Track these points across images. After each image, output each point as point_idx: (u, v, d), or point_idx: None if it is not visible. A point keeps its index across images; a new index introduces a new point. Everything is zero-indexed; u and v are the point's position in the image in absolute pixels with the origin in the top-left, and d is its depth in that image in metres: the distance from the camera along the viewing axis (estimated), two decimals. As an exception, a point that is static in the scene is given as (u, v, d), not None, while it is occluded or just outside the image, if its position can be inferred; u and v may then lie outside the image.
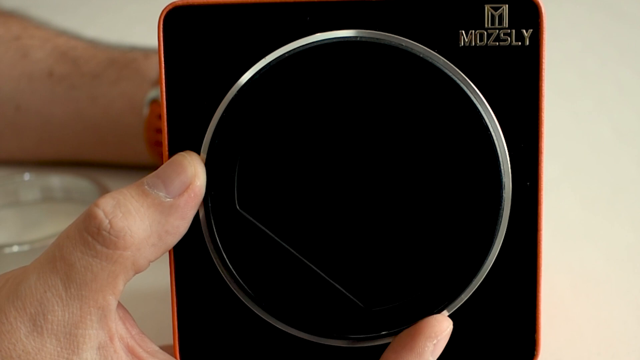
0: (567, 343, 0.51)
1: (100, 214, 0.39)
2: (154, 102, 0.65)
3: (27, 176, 0.68)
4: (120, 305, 0.42)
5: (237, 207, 0.42)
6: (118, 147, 0.68)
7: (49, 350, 0.39)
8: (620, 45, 0.91)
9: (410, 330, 0.42)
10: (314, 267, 0.42)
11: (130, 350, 0.41)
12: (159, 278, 0.49)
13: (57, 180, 0.68)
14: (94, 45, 0.71)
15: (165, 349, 0.43)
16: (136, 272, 0.40)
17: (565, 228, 0.63)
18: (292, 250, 0.42)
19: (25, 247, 0.59)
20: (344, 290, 0.42)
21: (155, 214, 0.40)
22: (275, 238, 0.42)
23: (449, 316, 0.43)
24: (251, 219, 0.42)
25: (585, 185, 0.69)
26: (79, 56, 0.69)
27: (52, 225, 0.66)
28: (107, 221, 0.39)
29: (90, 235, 0.39)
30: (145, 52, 0.69)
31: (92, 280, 0.39)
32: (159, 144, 0.64)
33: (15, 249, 0.59)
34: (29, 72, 0.68)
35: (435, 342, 0.42)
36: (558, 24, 0.93)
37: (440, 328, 0.42)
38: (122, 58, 0.68)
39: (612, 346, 0.51)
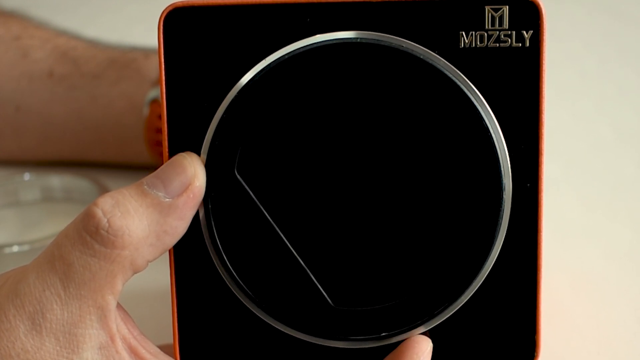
0: (567, 343, 0.51)
1: (98, 213, 0.39)
2: (154, 102, 0.65)
3: (27, 176, 0.68)
4: (120, 306, 0.42)
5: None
6: (118, 147, 0.68)
7: (48, 349, 0.39)
8: (620, 45, 0.91)
9: (392, 355, 0.43)
10: (310, 268, 0.43)
11: (132, 351, 0.41)
12: (159, 279, 0.49)
13: (57, 180, 0.68)
14: (94, 45, 0.71)
15: (165, 348, 0.43)
16: (135, 272, 0.40)
17: (566, 228, 0.63)
18: (292, 250, 0.42)
19: (25, 247, 0.59)
20: (318, 288, 0.42)
21: (154, 213, 0.40)
22: (278, 235, 0.42)
23: (450, 318, 0.43)
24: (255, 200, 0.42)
25: (585, 185, 0.69)
26: (79, 56, 0.69)
27: (52, 225, 0.66)
28: (106, 220, 0.39)
29: (89, 234, 0.39)
30: (145, 52, 0.69)
31: (90, 280, 0.39)
32: (159, 144, 0.64)
33: (15, 249, 0.59)
34: (29, 72, 0.68)
35: None
36: (558, 24, 0.93)
37: (420, 349, 0.42)
38: (122, 58, 0.68)
39: (612, 346, 0.51)
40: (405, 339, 0.43)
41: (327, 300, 0.43)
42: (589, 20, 0.97)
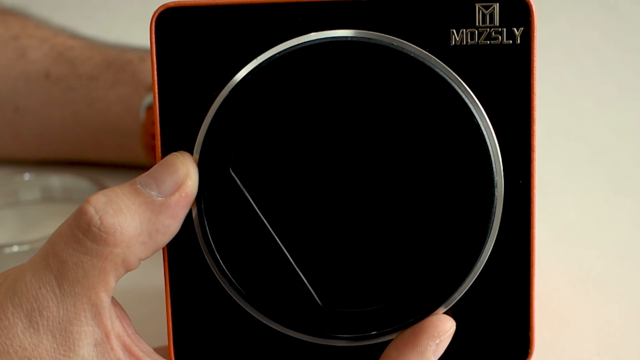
0: (567, 343, 0.51)
1: (91, 210, 0.40)
2: (151, 107, 0.65)
3: (27, 176, 0.68)
4: (117, 304, 0.42)
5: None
6: (116, 150, 0.68)
7: (46, 347, 0.39)
8: (620, 45, 0.91)
9: (414, 328, 0.42)
10: (302, 267, 0.43)
11: (126, 349, 0.41)
12: (159, 278, 0.49)
13: (57, 180, 0.68)
14: (92, 45, 0.70)
15: (160, 350, 0.43)
16: (127, 270, 0.41)
17: (565, 228, 0.63)
18: (284, 249, 0.43)
19: (25, 247, 0.59)
20: (309, 287, 0.42)
21: (146, 212, 0.40)
22: (270, 234, 0.43)
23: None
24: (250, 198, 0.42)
25: (584, 185, 0.69)
26: (76, 57, 0.69)
27: (52, 225, 0.65)
28: (98, 217, 0.39)
29: (81, 231, 0.39)
30: (140, 55, 0.68)
31: (83, 277, 0.39)
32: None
33: (15, 249, 0.59)
34: (26, 72, 0.68)
35: (437, 342, 0.42)
36: (558, 24, 0.93)
37: (443, 328, 0.42)
38: (119, 60, 0.68)
39: (612, 346, 0.51)
40: (426, 318, 0.42)
41: (318, 300, 0.43)
42: (589, 20, 0.97)
